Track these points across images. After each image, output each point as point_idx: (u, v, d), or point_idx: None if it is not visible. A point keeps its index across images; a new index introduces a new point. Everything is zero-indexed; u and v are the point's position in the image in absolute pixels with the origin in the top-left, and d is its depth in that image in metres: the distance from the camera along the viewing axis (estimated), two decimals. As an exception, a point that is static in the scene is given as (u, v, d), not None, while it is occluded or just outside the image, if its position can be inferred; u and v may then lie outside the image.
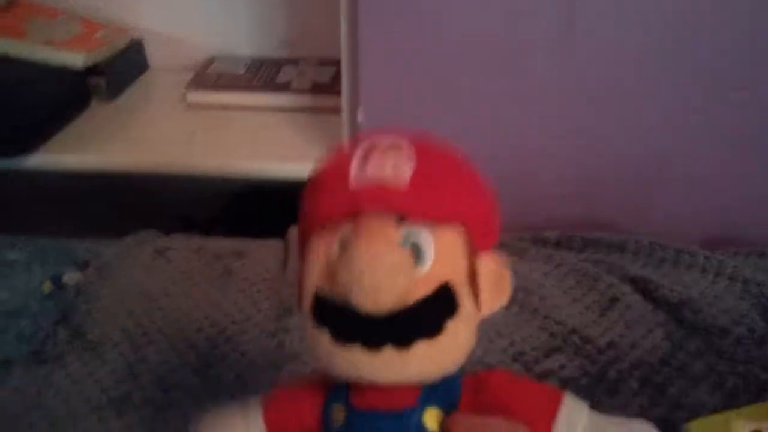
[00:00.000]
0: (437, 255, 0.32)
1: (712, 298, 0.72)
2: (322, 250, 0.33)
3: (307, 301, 0.33)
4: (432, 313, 0.32)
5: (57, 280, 0.72)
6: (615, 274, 0.76)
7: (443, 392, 0.35)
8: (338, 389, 0.35)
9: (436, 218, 0.32)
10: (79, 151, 0.92)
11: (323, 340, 0.32)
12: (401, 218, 0.32)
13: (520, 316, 0.71)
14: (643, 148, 0.82)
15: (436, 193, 0.33)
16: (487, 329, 0.68)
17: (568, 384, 0.62)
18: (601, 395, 0.61)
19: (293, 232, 0.81)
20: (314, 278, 0.33)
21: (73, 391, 0.60)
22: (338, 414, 0.35)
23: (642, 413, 0.60)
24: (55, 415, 0.58)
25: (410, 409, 0.34)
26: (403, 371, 0.32)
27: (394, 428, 0.34)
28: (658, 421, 0.59)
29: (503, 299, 0.36)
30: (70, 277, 0.73)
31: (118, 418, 0.58)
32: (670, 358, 0.65)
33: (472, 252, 0.34)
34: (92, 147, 0.92)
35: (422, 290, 0.32)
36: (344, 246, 0.32)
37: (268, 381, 0.62)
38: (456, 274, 0.33)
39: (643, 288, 0.74)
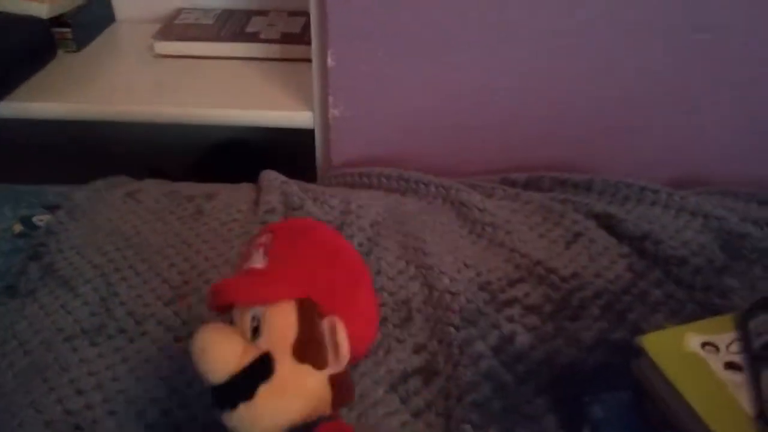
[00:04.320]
0: (268, 328, 0.40)
1: (673, 231, 0.75)
2: None
3: None
4: (247, 380, 0.40)
5: (27, 221, 0.72)
6: (580, 211, 0.78)
7: None
8: None
9: (264, 302, 0.40)
10: (46, 99, 0.91)
11: None
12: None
13: (487, 249, 0.73)
14: (609, 91, 0.84)
15: (265, 284, 0.41)
16: (455, 261, 0.70)
17: (532, 310, 0.64)
18: (563, 321, 0.64)
19: (265, 175, 0.82)
20: None
21: (47, 322, 0.61)
22: None
23: (602, 336, 0.62)
24: (29, 345, 0.59)
25: None
26: (251, 425, 0.40)
27: None
28: (618, 344, 0.62)
29: (340, 357, 0.41)
30: (40, 218, 0.73)
31: (92, 347, 0.59)
32: (631, 287, 0.68)
33: (315, 317, 0.41)
34: (60, 96, 0.91)
35: (248, 359, 0.40)
36: None
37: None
38: (279, 343, 0.40)
39: (607, 223, 0.76)
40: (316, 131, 0.91)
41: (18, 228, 0.71)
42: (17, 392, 0.55)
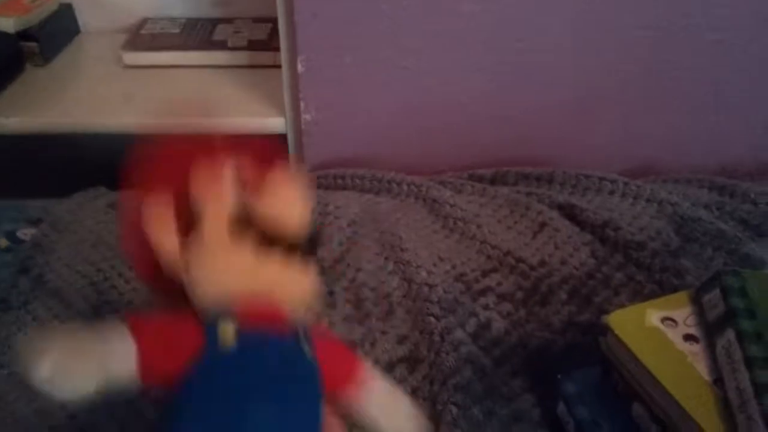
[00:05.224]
0: None
1: (630, 218, 0.80)
2: None
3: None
4: None
5: (12, 236, 0.73)
6: (544, 203, 0.82)
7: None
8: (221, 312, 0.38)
9: None
10: (16, 115, 0.91)
11: None
12: None
13: (460, 243, 0.77)
14: (560, 90, 0.88)
15: None
16: (431, 255, 0.74)
17: (505, 298, 0.69)
18: (534, 306, 0.68)
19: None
20: None
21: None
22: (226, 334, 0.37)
23: (570, 319, 0.67)
24: (27, 355, 0.60)
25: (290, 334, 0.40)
26: None
27: (282, 347, 0.40)
28: (585, 326, 0.66)
29: None
30: (24, 232, 0.74)
31: (89, 354, 0.61)
32: (594, 272, 0.72)
33: None
34: (30, 111, 0.92)
35: None
36: None
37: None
38: None
39: (570, 213, 0.80)
40: (288, 136, 0.94)
41: (4, 243, 0.72)
42: (20, 401, 0.56)
